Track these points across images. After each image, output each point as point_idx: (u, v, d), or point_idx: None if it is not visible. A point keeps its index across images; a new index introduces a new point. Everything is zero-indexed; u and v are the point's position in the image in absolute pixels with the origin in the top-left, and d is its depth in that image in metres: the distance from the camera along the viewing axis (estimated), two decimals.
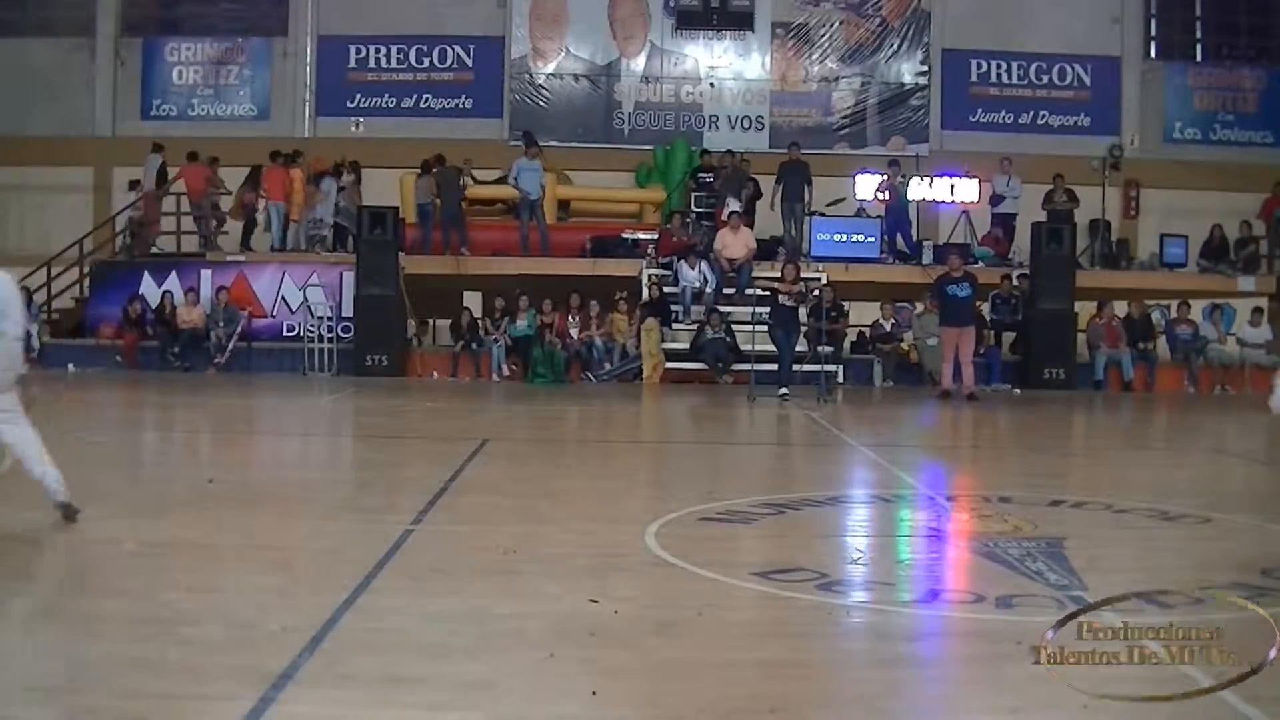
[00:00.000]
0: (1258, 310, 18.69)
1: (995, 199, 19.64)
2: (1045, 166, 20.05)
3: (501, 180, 19.38)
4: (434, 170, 18.80)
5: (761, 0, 23.10)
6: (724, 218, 18.44)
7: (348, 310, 17.98)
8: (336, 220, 19.05)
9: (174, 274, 18.80)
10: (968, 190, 19.88)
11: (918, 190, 19.80)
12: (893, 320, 18.21)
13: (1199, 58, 23.98)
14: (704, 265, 17.99)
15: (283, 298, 18.74)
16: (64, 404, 14.37)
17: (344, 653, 4.11)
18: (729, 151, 20.40)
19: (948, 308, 15.84)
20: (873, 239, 19.00)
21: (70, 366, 17.69)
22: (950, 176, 19.96)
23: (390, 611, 4.65)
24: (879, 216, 19.39)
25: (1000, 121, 23.33)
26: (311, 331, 17.77)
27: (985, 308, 17.98)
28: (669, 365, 17.40)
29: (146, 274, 18.92)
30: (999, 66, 23.45)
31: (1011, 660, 4.10)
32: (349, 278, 18.04)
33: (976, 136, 22.86)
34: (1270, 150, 23.25)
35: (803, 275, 16.15)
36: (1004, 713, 3.72)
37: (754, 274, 17.76)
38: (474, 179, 19.34)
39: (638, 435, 12.91)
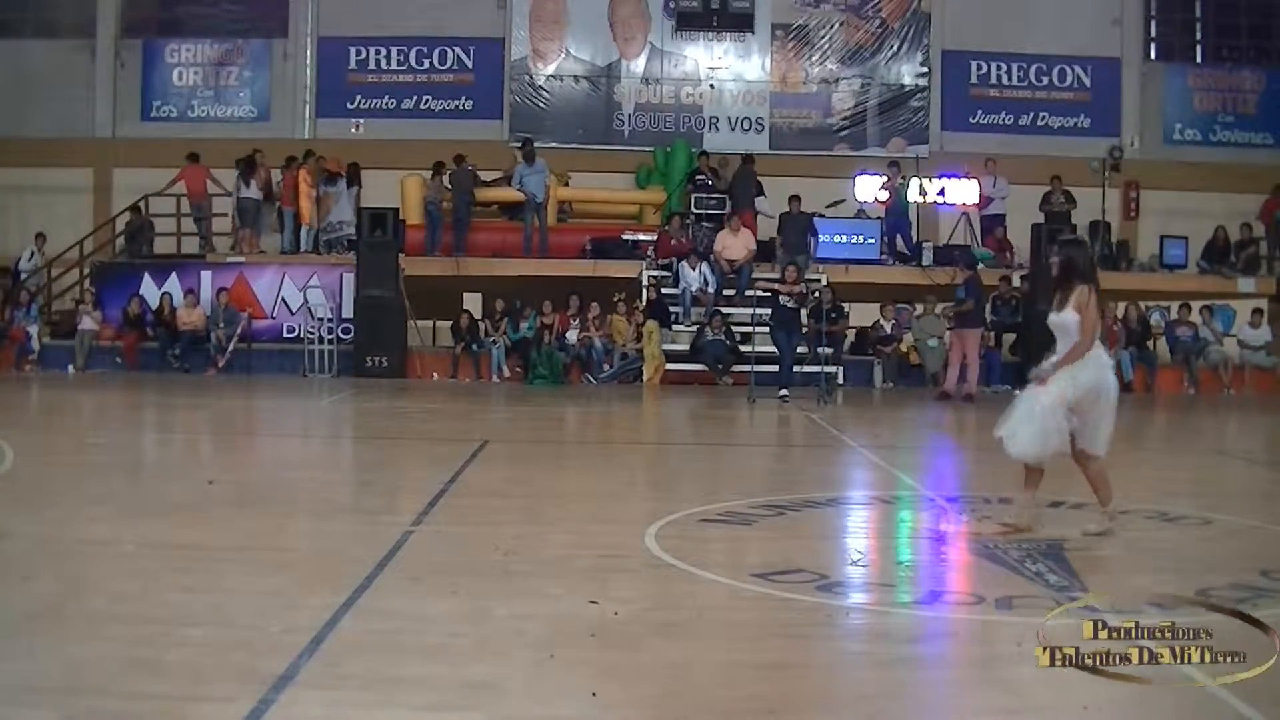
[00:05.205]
0: (1258, 311, 18.69)
1: (983, 201, 19.62)
2: (1045, 168, 20.05)
3: (502, 182, 19.42)
4: (450, 171, 18.80)
5: (761, 2, 23.09)
6: (727, 220, 18.45)
7: (348, 312, 18.00)
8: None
9: (174, 275, 18.82)
10: (967, 191, 19.88)
11: (918, 191, 19.80)
12: (892, 321, 18.21)
13: (1199, 59, 23.96)
14: (705, 267, 18.00)
15: (283, 299, 18.76)
16: (64, 405, 14.41)
17: (344, 654, 4.11)
18: (747, 155, 20.30)
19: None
20: (873, 240, 19.03)
21: (70, 368, 17.74)
22: (950, 178, 19.96)
23: (390, 613, 4.65)
24: (879, 218, 19.40)
25: (1000, 123, 23.30)
26: (312, 333, 17.77)
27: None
28: (669, 367, 17.40)
29: (146, 275, 18.94)
30: (999, 68, 23.43)
31: (1011, 662, 4.10)
32: (349, 279, 18.06)
33: (976, 138, 22.81)
34: (1270, 152, 23.23)
35: (803, 276, 16.16)
36: (1003, 714, 3.72)
37: (754, 275, 17.75)
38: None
39: (638, 437, 12.89)
